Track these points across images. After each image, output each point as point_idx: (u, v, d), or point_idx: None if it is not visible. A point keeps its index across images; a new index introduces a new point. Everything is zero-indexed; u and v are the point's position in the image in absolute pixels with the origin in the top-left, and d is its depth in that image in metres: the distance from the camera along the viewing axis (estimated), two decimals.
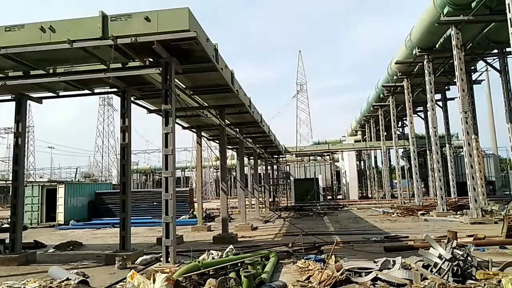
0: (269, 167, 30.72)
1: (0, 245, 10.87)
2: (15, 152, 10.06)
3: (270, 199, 28.21)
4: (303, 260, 7.67)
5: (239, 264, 6.86)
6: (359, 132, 43.02)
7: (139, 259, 8.63)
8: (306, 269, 7.04)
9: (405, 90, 24.05)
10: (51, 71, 8.85)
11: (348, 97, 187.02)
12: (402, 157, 35.53)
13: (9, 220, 20.91)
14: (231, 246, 8.41)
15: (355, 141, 39.52)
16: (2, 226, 17.75)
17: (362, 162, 45.87)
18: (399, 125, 37.56)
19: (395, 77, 24.68)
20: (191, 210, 21.23)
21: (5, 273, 8.37)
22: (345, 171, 39.91)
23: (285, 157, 35.71)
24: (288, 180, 38.13)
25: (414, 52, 19.94)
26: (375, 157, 42.00)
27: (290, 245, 9.56)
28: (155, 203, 20.89)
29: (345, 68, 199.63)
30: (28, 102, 10.49)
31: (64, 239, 13.11)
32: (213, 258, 7.66)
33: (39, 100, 10.60)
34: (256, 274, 6.15)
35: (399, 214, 19.43)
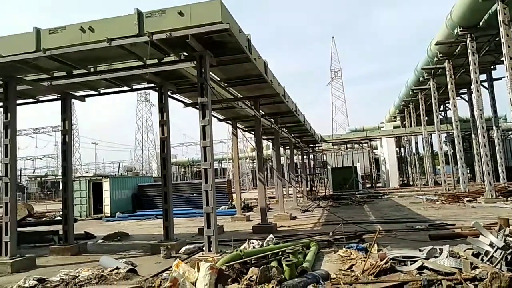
0: (305, 156, 30.48)
1: (54, 236, 11.66)
2: (63, 148, 10.63)
3: (308, 189, 28.03)
4: (344, 249, 7.57)
5: (280, 253, 6.87)
6: (398, 118, 41.58)
7: (183, 249, 8.89)
8: (348, 258, 6.95)
9: (447, 72, 22.89)
10: (92, 69, 9.19)
11: (385, 83, 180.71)
12: (445, 142, 34.00)
13: (61, 213, 22.28)
14: (271, 236, 8.46)
15: (394, 127, 38.23)
16: (55, 219, 18.91)
17: (402, 149, 44.41)
18: (441, 109, 35.85)
19: (435, 59, 23.53)
20: (230, 200, 21.55)
21: (60, 262, 8.95)
22: (384, 158, 38.79)
23: (321, 145, 35.20)
24: (325, 169, 37.67)
25: (455, 31, 18.87)
26: (416, 143, 40.40)
27: (330, 234, 9.46)
28: (194, 194, 21.39)
29: (381, 53, 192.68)
30: (72, 100, 11.01)
31: (112, 230, 13.76)
32: (254, 247, 7.75)
33: (82, 98, 11.10)
34: (298, 263, 6.15)
35: (443, 202, 18.68)
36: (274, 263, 6.32)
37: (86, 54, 8.00)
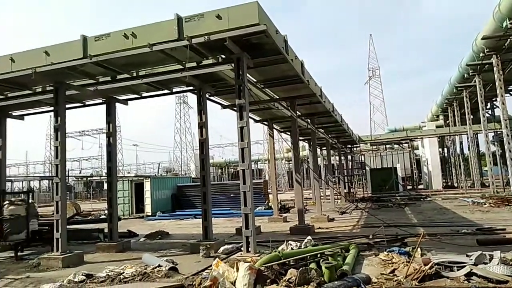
0: (342, 157, 29.93)
1: (100, 234, 12.22)
2: (108, 150, 11.13)
3: (345, 190, 27.51)
4: (385, 253, 7.37)
5: (318, 255, 6.81)
6: (440, 117, 39.77)
7: (221, 248, 9.02)
8: (390, 262, 6.76)
9: (495, 68, 21.60)
10: (134, 74, 9.56)
11: (425, 80, 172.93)
12: (493, 142, 32.14)
13: (105, 211, 23.23)
14: (309, 237, 8.40)
15: (437, 127, 36.59)
16: (100, 217, 19.79)
17: (445, 149, 42.45)
18: (488, 106, 33.91)
19: (481, 54, 22.27)
20: (266, 201, 21.58)
21: (106, 259, 9.36)
22: (426, 159, 37.24)
23: (359, 146, 34.42)
24: (364, 170, 36.79)
25: (504, 24, 17.77)
26: (461, 143, 38.46)
27: (370, 237, 9.24)
28: (232, 195, 21.61)
29: (420, 49, 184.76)
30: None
31: (153, 229, 14.20)
32: (292, 248, 7.73)
33: (125, 102, 11.56)
34: (337, 266, 6.06)
35: (492, 205, 17.65)
36: (313, 265, 6.27)
37: (129, 59, 8.32)
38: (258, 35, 7.39)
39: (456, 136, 37.14)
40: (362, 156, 40.88)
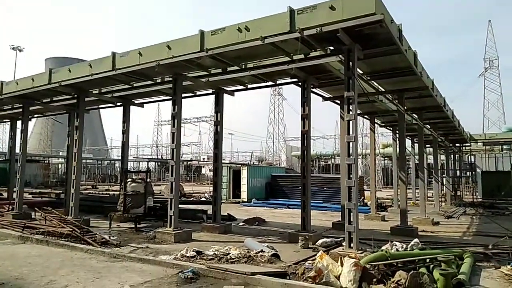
0: (449, 157, 27.33)
1: (203, 215, 13.19)
2: (215, 138, 11.86)
3: (452, 193, 25.15)
4: (509, 267, 6.58)
5: (427, 260, 6.39)
6: None
7: (320, 241, 9.01)
8: None
9: None
10: (243, 66, 9.96)
11: None
12: None
13: (205, 194, 24.95)
14: (416, 240, 7.89)
15: None
16: (201, 199, 21.34)
17: None
18: None
19: None
20: (361, 198, 20.86)
21: (210, 239, 10.08)
22: None
23: (469, 145, 30.98)
24: (473, 172, 33.12)
25: None
26: None
27: (490, 247, 8.31)
28: (325, 188, 21.36)
29: None
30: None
31: (249, 215, 14.80)
32: (397, 249, 7.38)
33: (231, 92, 12.15)
34: (453, 274, 5.61)
35: None
36: (423, 270, 5.91)
37: (240, 52, 8.67)
38: (373, 25, 7.08)
39: None
40: (472, 157, 36.78)
